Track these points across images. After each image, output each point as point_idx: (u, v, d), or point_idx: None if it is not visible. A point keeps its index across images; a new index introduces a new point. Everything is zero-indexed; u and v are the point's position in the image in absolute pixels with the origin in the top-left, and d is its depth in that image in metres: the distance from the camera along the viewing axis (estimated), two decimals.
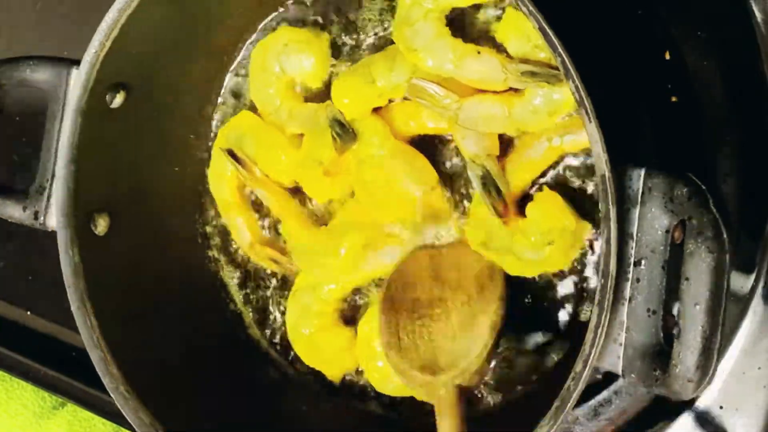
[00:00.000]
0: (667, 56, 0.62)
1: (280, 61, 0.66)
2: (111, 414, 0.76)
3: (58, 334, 0.80)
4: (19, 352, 0.80)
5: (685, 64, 0.61)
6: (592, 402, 0.63)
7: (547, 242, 0.58)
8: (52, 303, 0.80)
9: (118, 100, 0.62)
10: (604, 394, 0.63)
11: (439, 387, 0.58)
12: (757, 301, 0.59)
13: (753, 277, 0.59)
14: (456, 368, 0.58)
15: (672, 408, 0.61)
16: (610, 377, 0.63)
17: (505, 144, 0.61)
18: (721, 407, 0.60)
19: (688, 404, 0.61)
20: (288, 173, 0.67)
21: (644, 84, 0.62)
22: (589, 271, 0.61)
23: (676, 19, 0.62)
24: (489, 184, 0.60)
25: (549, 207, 0.59)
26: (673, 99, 0.62)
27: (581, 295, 0.61)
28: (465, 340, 0.59)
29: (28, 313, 0.82)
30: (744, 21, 0.59)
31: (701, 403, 0.60)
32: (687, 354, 0.48)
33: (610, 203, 0.48)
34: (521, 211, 0.60)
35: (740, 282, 0.60)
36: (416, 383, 0.59)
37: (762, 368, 0.59)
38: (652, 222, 0.50)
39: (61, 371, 0.78)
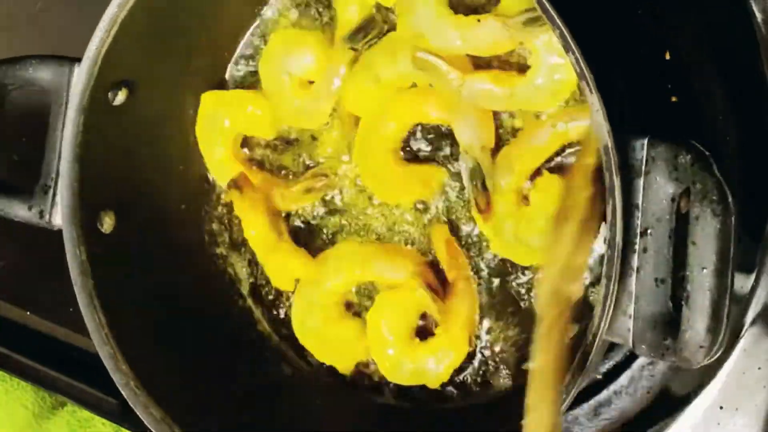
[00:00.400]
0: (667, 56, 0.62)
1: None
2: (111, 414, 0.76)
3: (58, 334, 0.80)
4: (19, 352, 0.80)
5: (685, 64, 0.61)
6: (592, 402, 0.63)
7: None
8: (52, 303, 0.80)
9: (121, 97, 0.62)
10: (604, 394, 0.63)
11: None
12: (757, 301, 0.59)
13: (753, 277, 0.59)
14: None
15: (672, 407, 0.61)
16: (610, 377, 0.63)
17: (504, 138, 0.62)
18: (721, 407, 0.60)
19: (688, 404, 0.61)
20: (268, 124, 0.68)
21: (643, 82, 0.62)
22: (595, 254, 0.60)
23: (676, 19, 0.62)
24: (477, 177, 0.60)
25: (550, 190, 0.59)
26: (673, 99, 0.62)
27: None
28: None
29: (28, 313, 0.82)
30: (744, 21, 0.59)
31: (701, 403, 0.60)
32: (696, 319, 0.48)
33: (614, 173, 0.48)
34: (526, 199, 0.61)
35: (740, 282, 0.60)
36: None
37: (762, 368, 0.59)
38: (657, 191, 0.49)
39: (61, 371, 0.79)
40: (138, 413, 0.60)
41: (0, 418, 0.82)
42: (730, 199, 0.47)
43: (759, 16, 0.58)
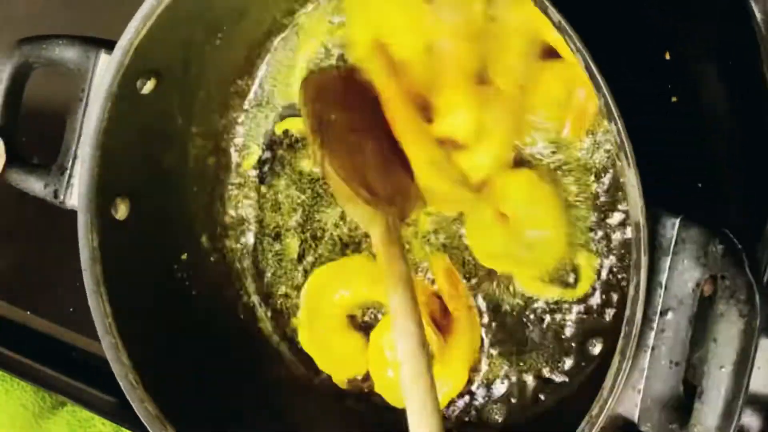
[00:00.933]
0: (667, 56, 0.62)
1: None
2: (111, 414, 0.76)
3: (58, 334, 0.80)
4: (19, 352, 0.80)
5: (685, 64, 0.61)
6: None
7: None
8: (52, 303, 0.80)
9: (149, 86, 0.62)
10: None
11: (386, 216, 0.57)
12: None
13: None
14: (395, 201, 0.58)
15: None
16: None
17: None
18: None
19: None
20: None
21: (644, 85, 0.62)
22: (593, 301, 0.61)
23: (676, 19, 0.62)
24: None
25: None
26: (673, 99, 0.62)
27: (587, 328, 0.62)
28: (396, 175, 0.59)
29: (28, 313, 0.82)
30: (744, 21, 0.59)
31: None
32: (708, 415, 0.48)
33: (642, 252, 0.48)
34: None
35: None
36: (366, 205, 0.58)
37: (762, 368, 0.59)
38: (683, 274, 0.49)
39: (61, 371, 0.78)
40: (134, 407, 0.60)
41: (0, 418, 0.82)
42: (758, 300, 0.47)
43: (759, 16, 0.58)
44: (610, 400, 0.49)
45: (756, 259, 0.50)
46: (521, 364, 0.63)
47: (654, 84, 0.62)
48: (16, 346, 0.80)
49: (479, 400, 0.64)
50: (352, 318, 0.67)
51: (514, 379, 0.64)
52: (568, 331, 0.62)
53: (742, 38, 0.59)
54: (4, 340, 0.81)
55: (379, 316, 0.67)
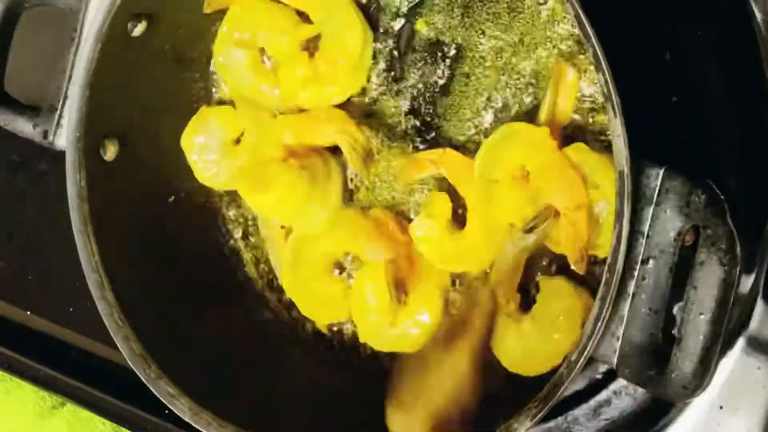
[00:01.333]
0: (667, 56, 0.62)
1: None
2: (111, 414, 0.76)
3: (58, 334, 0.80)
4: (19, 352, 0.80)
5: (685, 64, 0.61)
6: (592, 402, 0.63)
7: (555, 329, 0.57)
8: (52, 303, 0.80)
9: (140, 29, 0.62)
10: (604, 394, 0.63)
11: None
12: (757, 301, 0.59)
13: (753, 277, 0.59)
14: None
15: (672, 407, 0.61)
16: (610, 376, 0.63)
17: None
18: (721, 407, 0.60)
19: (688, 404, 0.61)
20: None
21: (644, 85, 0.62)
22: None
23: (676, 19, 0.62)
24: None
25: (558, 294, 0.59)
26: (674, 99, 0.62)
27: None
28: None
29: (28, 313, 0.82)
30: (744, 21, 0.59)
31: (701, 403, 0.60)
32: (685, 361, 0.49)
33: (625, 200, 0.49)
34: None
35: (740, 282, 0.60)
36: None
37: (762, 368, 0.59)
38: (665, 223, 0.50)
39: (61, 371, 0.78)
40: (118, 345, 0.60)
41: (0, 418, 0.82)
42: (738, 250, 0.48)
43: (759, 16, 0.58)
44: (590, 345, 0.50)
45: (737, 210, 0.50)
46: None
47: (654, 84, 0.62)
48: (16, 346, 0.80)
49: None
50: (336, 264, 0.67)
51: None
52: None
53: (742, 38, 0.59)
54: (4, 340, 0.81)
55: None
